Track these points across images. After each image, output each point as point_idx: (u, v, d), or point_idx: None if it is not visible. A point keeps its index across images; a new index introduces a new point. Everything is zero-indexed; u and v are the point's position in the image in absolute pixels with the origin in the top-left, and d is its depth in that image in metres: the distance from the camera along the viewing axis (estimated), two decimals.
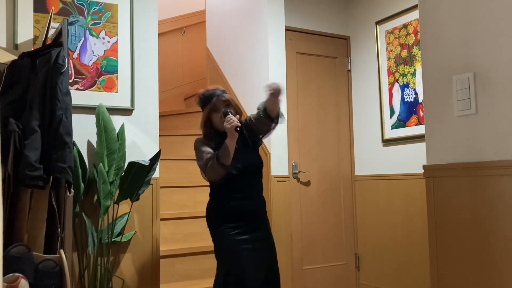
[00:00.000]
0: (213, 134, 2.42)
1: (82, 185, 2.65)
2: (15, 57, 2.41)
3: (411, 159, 3.47)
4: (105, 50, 2.89)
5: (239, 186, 2.37)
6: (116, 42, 2.92)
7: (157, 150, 2.87)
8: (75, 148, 2.59)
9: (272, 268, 2.40)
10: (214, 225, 2.40)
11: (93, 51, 2.86)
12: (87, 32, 2.86)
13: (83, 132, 2.75)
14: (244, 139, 2.42)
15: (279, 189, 3.50)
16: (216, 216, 2.40)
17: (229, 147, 2.25)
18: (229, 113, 2.32)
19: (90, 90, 2.83)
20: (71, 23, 2.80)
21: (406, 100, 3.57)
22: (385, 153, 3.75)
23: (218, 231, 2.36)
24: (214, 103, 2.38)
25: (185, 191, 3.82)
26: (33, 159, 2.13)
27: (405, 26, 3.60)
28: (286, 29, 3.68)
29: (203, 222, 3.64)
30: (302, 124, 3.84)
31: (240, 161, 2.33)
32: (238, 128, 2.26)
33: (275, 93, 2.24)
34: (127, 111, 2.93)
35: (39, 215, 2.24)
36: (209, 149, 2.35)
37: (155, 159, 2.73)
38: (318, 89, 3.95)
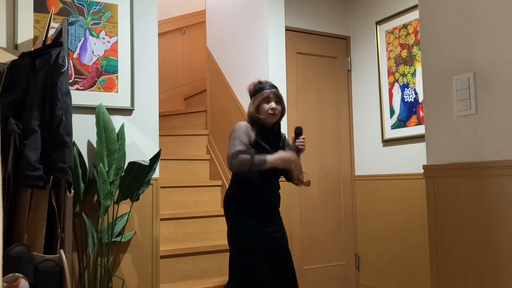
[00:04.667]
0: (257, 120, 2.53)
1: (82, 185, 2.65)
2: (15, 57, 2.41)
3: (411, 159, 3.47)
4: (105, 50, 2.89)
5: (261, 182, 2.48)
6: (116, 42, 2.92)
7: (157, 150, 2.87)
8: (75, 148, 2.59)
9: (286, 250, 2.55)
10: (234, 210, 2.54)
11: (93, 51, 2.86)
12: (87, 32, 2.86)
13: (83, 132, 2.75)
14: (278, 141, 2.56)
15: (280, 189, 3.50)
16: (236, 202, 2.54)
17: (270, 165, 2.38)
18: (301, 133, 2.54)
19: (90, 90, 2.83)
20: (71, 23, 2.80)
21: (406, 100, 3.57)
22: (385, 153, 3.75)
23: (236, 214, 2.51)
24: (268, 95, 2.51)
25: (185, 191, 3.82)
26: (33, 159, 2.13)
27: (405, 26, 3.60)
28: (286, 29, 3.68)
29: (203, 222, 3.69)
30: (302, 124, 3.82)
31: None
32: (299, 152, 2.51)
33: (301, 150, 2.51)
34: (127, 111, 2.93)
35: (39, 215, 2.24)
36: (246, 141, 2.43)
37: (155, 159, 2.73)
38: (318, 89, 3.95)
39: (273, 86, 2.56)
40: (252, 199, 2.49)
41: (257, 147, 2.44)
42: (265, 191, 2.52)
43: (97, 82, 2.85)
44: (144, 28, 3.02)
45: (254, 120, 2.53)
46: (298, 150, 2.51)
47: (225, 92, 4.19)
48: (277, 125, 2.57)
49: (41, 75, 2.26)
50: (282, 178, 2.62)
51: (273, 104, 2.49)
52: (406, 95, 3.57)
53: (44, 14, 2.73)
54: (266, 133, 2.51)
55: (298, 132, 2.55)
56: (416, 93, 3.49)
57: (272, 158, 2.37)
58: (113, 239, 2.72)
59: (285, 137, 2.68)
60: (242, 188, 2.51)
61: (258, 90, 2.54)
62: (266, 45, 3.59)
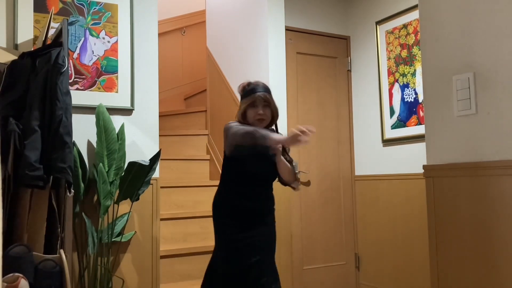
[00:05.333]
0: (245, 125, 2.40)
1: (82, 185, 2.65)
2: (15, 57, 2.41)
3: (411, 159, 3.47)
4: (105, 50, 2.89)
5: (246, 188, 2.40)
6: (116, 42, 2.92)
7: (157, 150, 2.87)
8: (75, 148, 2.59)
9: (260, 259, 2.35)
10: (218, 216, 2.46)
11: (93, 51, 2.86)
12: (87, 32, 2.86)
13: (83, 132, 2.75)
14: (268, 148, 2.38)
15: (279, 189, 3.50)
16: (221, 209, 2.45)
17: (270, 139, 2.14)
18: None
19: (90, 90, 2.83)
20: (71, 23, 2.80)
21: (406, 100, 3.57)
22: (385, 153, 3.75)
23: (220, 222, 2.43)
24: (254, 100, 2.34)
25: (185, 191, 3.82)
26: (33, 159, 2.13)
27: (405, 26, 3.60)
28: (286, 29, 3.68)
29: (203, 222, 3.68)
30: (302, 124, 3.83)
31: (256, 166, 2.38)
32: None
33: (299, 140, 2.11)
34: (127, 111, 2.93)
35: (39, 215, 2.24)
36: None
37: (155, 159, 2.73)
38: (318, 89, 3.95)
39: (264, 88, 2.38)
40: (234, 206, 2.40)
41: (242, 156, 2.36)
42: (247, 198, 2.39)
43: (97, 82, 2.85)
44: (144, 28, 3.02)
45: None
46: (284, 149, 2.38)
47: (225, 92, 4.19)
48: (269, 130, 2.33)
49: (41, 75, 2.26)
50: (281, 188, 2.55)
51: (259, 110, 2.33)
52: (406, 95, 3.57)
53: (44, 14, 2.73)
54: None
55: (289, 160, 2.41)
56: (416, 93, 3.49)
57: (275, 135, 2.20)
58: (113, 239, 2.72)
59: None
60: (226, 197, 2.44)
61: (246, 93, 2.39)
62: (266, 45, 3.59)
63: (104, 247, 2.70)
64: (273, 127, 2.50)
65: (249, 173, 2.39)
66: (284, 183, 2.47)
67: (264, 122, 2.38)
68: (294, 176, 2.42)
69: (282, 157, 2.36)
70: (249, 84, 2.42)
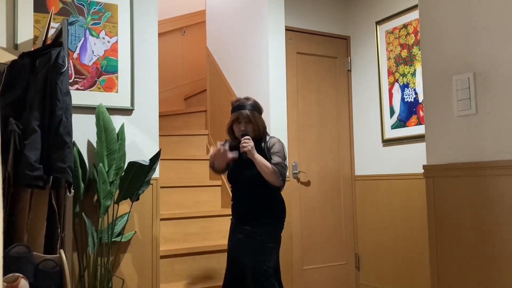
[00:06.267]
0: (233, 139, 2.71)
1: (82, 185, 2.65)
2: (15, 57, 2.41)
3: (411, 159, 3.47)
4: (105, 50, 2.89)
5: (236, 194, 2.70)
6: (116, 42, 2.92)
7: (157, 150, 2.87)
8: (75, 148, 2.59)
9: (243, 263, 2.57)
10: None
11: (93, 51, 2.86)
12: (87, 32, 2.86)
13: (83, 132, 2.75)
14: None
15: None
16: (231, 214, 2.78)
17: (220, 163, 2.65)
18: (247, 134, 2.59)
19: (90, 90, 2.83)
20: (71, 23, 2.80)
21: (406, 100, 3.57)
22: (385, 153, 3.75)
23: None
24: (237, 117, 2.63)
25: (185, 191, 3.82)
26: (33, 159, 2.13)
27: (405, 26, 3.60)
28: (286, 29, 3.68)
29: (203, 222, 3.68)
30: (302, 124, 3.84)
31: (235, 172, 2.68)
32: (244, 154, 2.52)
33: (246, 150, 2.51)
34: (127, 111, 2.93)
35: (39, 215, 2.24)
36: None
37: (155, 159, 2.73)
38: (318, 89, 3.95)
39: (250, 106, 2.63)
40: (232, 209, 2.73)
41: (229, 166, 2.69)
42: (239, 201, 2.68)
43: (97, 82, 2.85)
44: (144, 28, 3.02)
45: (230, 138, 2.73)
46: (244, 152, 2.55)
47: (225, 92, 4.19)
48: (257, 141, 2.60)
49: (41, 75, 2.26)
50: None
51: (241, 126, 2.61)
52: (406, 95, 3.57)
53: (44, 14, 2.73)
54: (240, 153, 2.58)
55: (243, 135, 2.59)
56: (416, 93, 3.49)
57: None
58: (113, 239, 2.72)
59: (269, 147, 2.66)
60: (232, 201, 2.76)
61: (233, 109, 2.67)
62: (266, 45, 3.59)
63: (104, 247, 2.70)
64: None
65: (231, 178, 2.72)
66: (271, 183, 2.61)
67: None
68: (273, 176, 2.56)
69: (256, 157, 2.54)
70: (237, 100, 2.71)
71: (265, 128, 2.68)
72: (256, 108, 2.67)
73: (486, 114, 1.71)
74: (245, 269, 2.53)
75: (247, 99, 2.68)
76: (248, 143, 2.50)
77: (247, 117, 2.60)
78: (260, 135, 2.65)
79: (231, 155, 2.54)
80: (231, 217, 2.75)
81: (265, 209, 2.62)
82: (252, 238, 2.56)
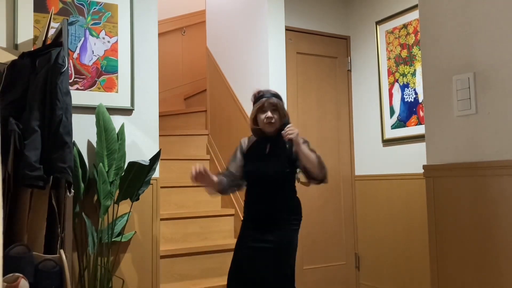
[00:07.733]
0: (258, 130, 2.52)
1: (82, 185, 2.65)
2: (15, 57, 2.41)
3: (411, 159, 3.47)
4: (105, 50, 2.89)
5: (254, 192, 2.48)
6: (116, 42, 2.92)
7: (157, 150, 2.87)
8: (75, 148, 2.59)
9: (262, 276, 2.34)
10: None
11: (93, 51, 2.86)
12: (87, 32, 2.86)
13: (83, 132, 2.75)
14: (278, 149, 2.44)
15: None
16: (244, 214, 2.55)
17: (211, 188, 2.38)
18: (287, 123, 2.39)
19: (90, 90, 2.83)
20: (71, 23, 2.80)
21: (406, 100, 3.57)
22: (385, 153, 3.75)
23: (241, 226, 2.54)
24: (263, 104, 2.45)
25: (185, 191, 3.82)
26: (33, 159, 2.13)
27: (405, 26, 3.60)
28: (286, 29, 3.68)
29: (203, 222, 3.68)
30: (302, 124, 3.84)
31: (253, 168, 2.46)
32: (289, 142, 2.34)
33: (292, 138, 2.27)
34: (127, 111, 2.93)
35: (39, 215, 2.24)
36: (232, 164, 2.52)
37: (155, 159, 2.73)
38: (318, 89, 3.95)
39: (272, 94, 2.49)
40: (248, 211, 2.50)
41: (245, 160, 2.49)
42: (258, 202, 2.45)
43: (97, 82, 2.85)
44: (144, 28, 3.02)
45: (254, 131, 2.53)
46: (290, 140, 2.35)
47: (225, 92, 4.19)
48: (279, 132, 2.39)
49: (41, 75, 2.26)
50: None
51: (268, 113, 2.43)
52: (406, 95, 3.57)
53: (44, 14, 2.73)
54: (262, 144, 2.46)
55: (284, 124, 2.41)
56: (416, 93, 3.49)
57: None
58: (113, 239, 2.72)
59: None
60: (245, 203, 2.54)
61: (255, 100, 2.51)
62: (266, 45, 3.59)
63: (104, 247, 2.70)
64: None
65: (249, 172, 2.48)
66: (309, 176, 2.41)
67: (273, 126, 2.44)
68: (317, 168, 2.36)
69: (302, 146, 2.31)
70: (259, 92, 2.54)
71: (289, 118, 2.49)
72: (280, 97, 2.53)
73: (486, 114, 1.71)
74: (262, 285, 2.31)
75: (268, 90, 2.57)
76: (293, 130, 2.27)
77: (273, 104, 2.44)
78: (285, 125, 2.43)
79: (214, 178, 2.34)
80: (242, 219, 2.52)
81: (289, 210, 2.44)
82: (278, 261, 2.32)
